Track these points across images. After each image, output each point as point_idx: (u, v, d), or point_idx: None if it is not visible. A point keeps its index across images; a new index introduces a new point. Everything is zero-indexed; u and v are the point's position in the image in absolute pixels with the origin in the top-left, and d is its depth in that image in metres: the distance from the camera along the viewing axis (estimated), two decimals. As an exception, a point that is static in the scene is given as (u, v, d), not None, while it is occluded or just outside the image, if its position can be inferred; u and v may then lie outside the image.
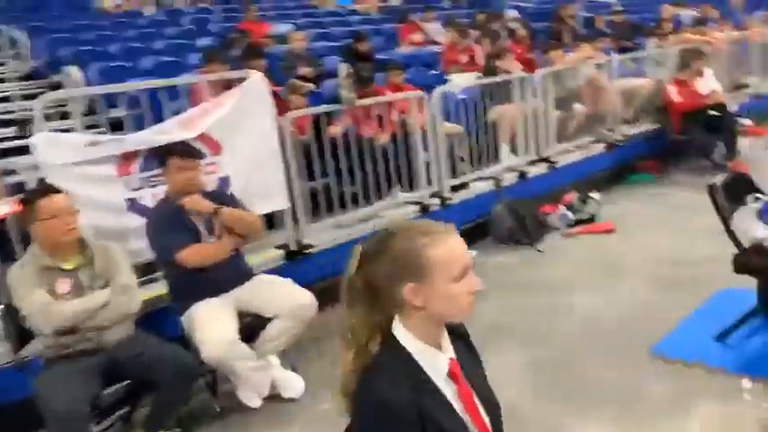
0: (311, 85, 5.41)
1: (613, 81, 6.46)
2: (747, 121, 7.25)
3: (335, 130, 4.66)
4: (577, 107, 6.19)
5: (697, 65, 6.76)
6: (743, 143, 6.36)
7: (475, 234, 5.20)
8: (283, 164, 3.91)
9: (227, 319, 2.98)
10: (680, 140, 6.57)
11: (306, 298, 3.11)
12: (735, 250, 4.35)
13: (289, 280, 3.27)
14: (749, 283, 3.59)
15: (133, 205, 3.30)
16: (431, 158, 4.90)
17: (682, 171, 6.71)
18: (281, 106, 4.35)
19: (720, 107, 6.43)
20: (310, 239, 4.19)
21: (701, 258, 4.28)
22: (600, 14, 9.13)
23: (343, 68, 4.12)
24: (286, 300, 3.08)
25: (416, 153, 4.82)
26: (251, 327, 3.11)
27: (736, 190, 3.17)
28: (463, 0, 11.62)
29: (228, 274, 3.10)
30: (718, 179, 3.19)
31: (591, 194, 5.68)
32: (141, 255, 3.25)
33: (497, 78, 5.46)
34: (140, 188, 3.33)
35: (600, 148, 6.38)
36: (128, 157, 3.27)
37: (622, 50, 7.53)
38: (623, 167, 6.67)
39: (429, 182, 4.93)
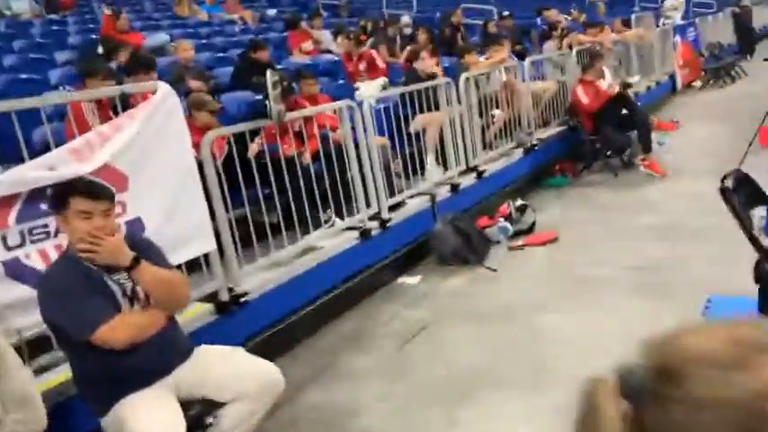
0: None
1: (526, 84, 6.29)
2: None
3: (254, 149, 3.95)
4: (497, 113, 5.93)
5: (599, 65, 6.81)
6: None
7: (415, 256, 4.71)
8: (205, 195, 3.14)
9: (170, 416, 2.19)
10: (593, 140, 6.54)
11: (273, 371, 2.40)
12: (688, 250, 4.32)
13: (240, 349, 2.54)
14: (732, 287, 3.43)
15: (14, 269, 2.38)
16: (366, 176, 4.32)
17: (594, 171, 6.71)
18: (189, 126, 3.56)
19: (630, 104, 6.49)
20: (244, 285, 3.43)
21: (662, 262, 4.09)
22: (489, 20, 9.10)
23: (272, 77, 3.40)
24: (248, 377, 2.34)
25: (353, 172, 4.21)
26: (200, 417, 2.34)
27: (745, 194, 2.92)
28: (344, 11, 11.17)
29: (163, 353, 2.29)
30: (729, 182, 2.88)
31: (523, 202, 5.43)
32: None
33: (423, 84, 4.99)
34: (21, 245, 2.43)
35: (519, 153, 6.16)
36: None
37: (518, 55, 7.46)
38: (540, 171, 6.53)
39: (368, 204, 4.34)
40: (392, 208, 4.55)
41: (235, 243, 3.42)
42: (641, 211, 5.19)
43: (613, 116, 6.35)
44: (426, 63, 5.39)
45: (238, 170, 3.55)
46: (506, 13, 9.29)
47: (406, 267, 4.61)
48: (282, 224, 3.79)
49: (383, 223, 4.39)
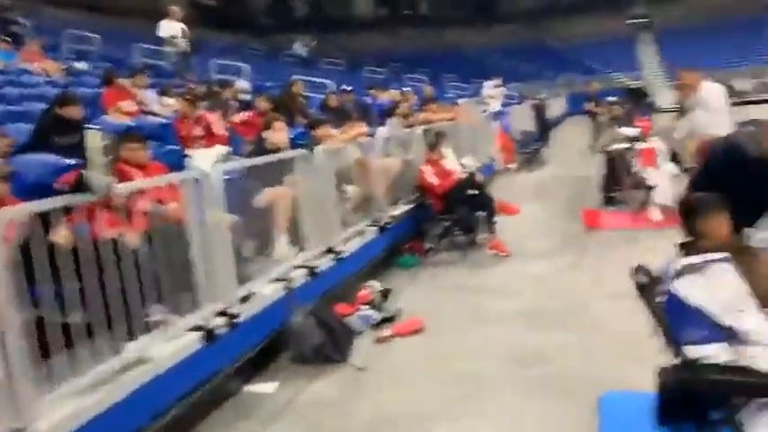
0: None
1: (378, 160, 6.00)
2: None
3: (62, 234, 2.97)
4: (351, 189, 5.51)
5: (442, 144, 6.80)
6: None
7: (268, 355, 3.96)
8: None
9: None
10: (443, 219, 6.39)
11: None
12: (561, 338, 4.13)
13: None
14: (617, 380, 3.24)
15: None
16: (211, 262, 3.53)
17: (440, 250, 6.54)
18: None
19: (478, 185, 6.48)
20: (41, 422, 2.42)
21: (540, 352, 3.83)
22: (331, 93, 8.87)
23: (99, 138, 2.57)
24: None
25: (194, 256, 3.41)
26: None
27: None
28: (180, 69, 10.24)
29: None
30: (642, 277, 2.60)
31: (377, 284, 4.99)
32: None
33: (281, 155, 4.39)
34: None
35: (374, 231, 5.77)
36: None
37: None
38: (392, 251, 6.20)
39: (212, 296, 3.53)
40: (242, 300, 3.79)
41: (30, 360, 2.43)
42: (500, 295, 5.01)
43: (463, 197, 6.28)
44: (279, 135, 4.81)
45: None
46: (348, 87, 9.15)
47: (258, 371, 3.83)
48: (97, 328, 2.85)
49: (232, 320, 3.60)
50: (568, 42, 34.48)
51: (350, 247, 5.18)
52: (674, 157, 7.48)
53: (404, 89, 11.50)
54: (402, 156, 7.02)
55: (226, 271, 3.62)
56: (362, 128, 5.64)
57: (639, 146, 5.97)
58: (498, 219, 7.51)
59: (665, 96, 24.91)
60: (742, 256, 2.99)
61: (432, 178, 6.28)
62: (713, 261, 2.34)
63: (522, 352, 3.85)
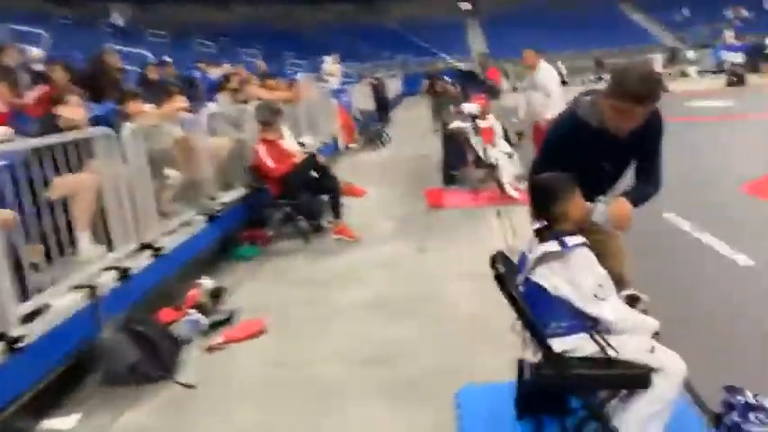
0: None
1: (205, 140, 5.31)
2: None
3: None
4: (172, 173, 4.78)
5: (279, 123, 6.26)
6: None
7: (69, 381, 3.22)
8: None
9: None
10: (283, 205, 5.87)
11: None
12: (412, 330, 3.82)
13: None
14: (474, 371, 3.03)
15: None
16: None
17: (283, 237, 6.04)
18: None
19: (321, 167, 6.04)
20: None
21: (392, 349, 3.51)
22: (149, 65, 7.83)
23: None
24: None
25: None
26: None
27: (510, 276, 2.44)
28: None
29: None
30: (500, 266, 2.31)
31: (217, 285, 4.40)
32: None
33: (71, 136, 3.57)
34: None
35: (202, 221, 5.09)
36: None
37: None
38: (226, 241, 5.58)
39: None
40: (28, 318, 3.00)
41: None
42: (348, 284, 4.65)
43: (303, 180, 5.81)
44: (74, 111, 3.95)
45: None
46: (167, 59, 8.16)
47: (55, 402, 3.09)
48: None
49: (11, 344, 2.82)
50: (403, 24, 35.21)
51: (173, 242, 4.48)
52: (506, 136, 7.67)
53: (236, 64, 10.66)
54: (234, 135, 6.37)
55: (0, 285, 2.82)
56: (181, 102, 4.89)
57: (480, 124, 5.94)
58: (344, 202, 7.20)
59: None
60: (593, 235, 2.87)
61: (267, 160, 5.72)
62: (573, 247, 2.14)
63: (374, 350, 3.51)
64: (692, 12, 35.08)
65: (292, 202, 5.76)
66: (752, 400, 2.23)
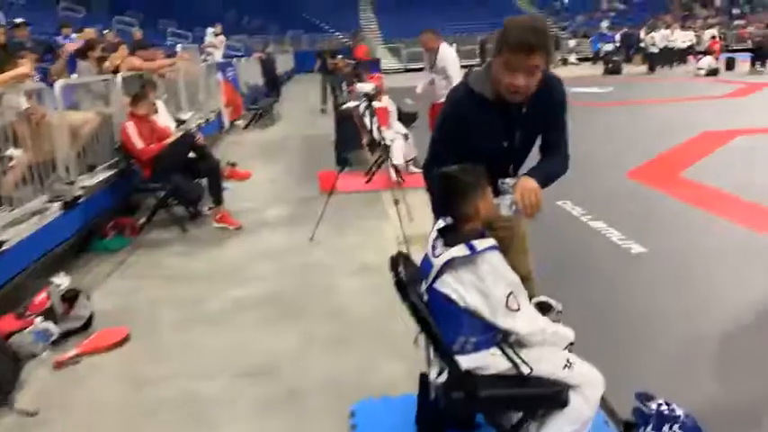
0: None
1: (60, 115, 4.56)
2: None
3: None
4: (15, 153, 4.04)
5: (152, 97, 5.59)
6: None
7: None
8: None
9: None
10: (155, 189, 5.24)
11: None
12: (296, 335, 3.40)
13: None
14: (365, 385, 2.73)
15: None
16: None
17: (157, 225, 5.42)
18: None
19: (199, 147, 5.43)
20: None
21: (276, 360, 3.11)
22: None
23: None
24: None
25: None
26: None
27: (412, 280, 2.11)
28: None
29: None
30: (401, 271, 1.97)
31: (65, 281, 3.78)
32: None
33: None
34: None
35: (56, 209, 4.39)
36: None
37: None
38: (89, 232, 4.88)
39: None
40: None
41: None
42: (229, 281, 4.17)
43: (179, 161, 5.21)
44: None
45: None
46: (20, 20, 7.09)
47: None
48: None
49: None
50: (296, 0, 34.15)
51: (18, 234, 3.79)
52: (400, 117, 7.43)
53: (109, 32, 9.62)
54: (99, 109, 5.61)
55: None
56: (27, 68, 4.13)
57: (376, 104, 5.62)
58: (228, 185, 6.65)
59: (384, 56, 26.41)
60: (497, 232, 2.63)
61: (136, 139, 5.06)
62: (483, 251, 1.85)
63: (257, 359, 3.09)
64: (571, 1, 36.88)
65: (166, 186, 5.15)
66: (665, 409, 2.09)
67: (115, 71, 6.28)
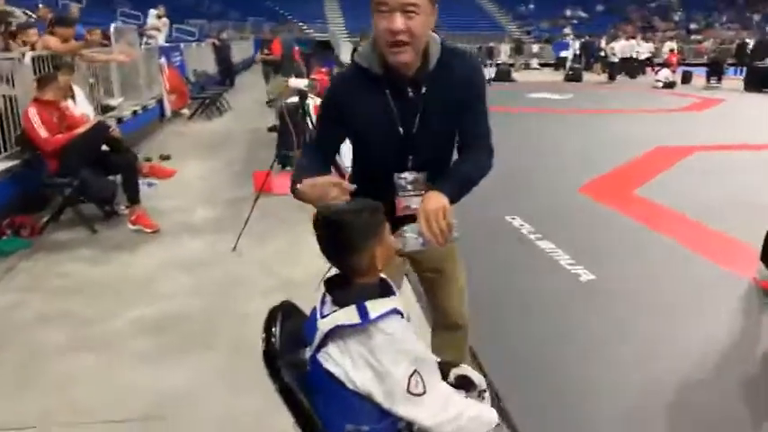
0: None
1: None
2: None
3: None
4: None
5: (66, 81, 4.98)
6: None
7: None
8: None
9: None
10: (61, 184, 4.65)
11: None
12: (194, 372, 2.85)
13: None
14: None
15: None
16: None
17: (63, 224, 4.84)
18: None
19: (113, 140, 4.86)
20: None
21: (167, 402, 2.64)
22: None
23: None
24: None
25: None
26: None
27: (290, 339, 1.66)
28: None
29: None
30: (275, 332, 1.52)
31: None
32: None
33: None
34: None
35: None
36: None
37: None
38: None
39: None
40: None
41: None
42: (133, 296, 3.65)
43: (90, 153, 4.63)
44: None
45: None
46: None
47: None
48: None
49: None
50: (258, -15, 33.28)
51: None
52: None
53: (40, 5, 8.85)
54: (3, 90, 4.98)
55: None
56: None
57: (314, 102, 5.15)
58: (155, 182, 6.10)
59: (347, 51, 25.70)
60: (425, 273, 2.21)
61: (38, 127, 4.47)
62: (378, 319, 1.39)
63: (147, 401, 2.58)
64: (537, 7, 37.01)
65: (76, 182, 4.57)
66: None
67: (32, 48, 5.64)
